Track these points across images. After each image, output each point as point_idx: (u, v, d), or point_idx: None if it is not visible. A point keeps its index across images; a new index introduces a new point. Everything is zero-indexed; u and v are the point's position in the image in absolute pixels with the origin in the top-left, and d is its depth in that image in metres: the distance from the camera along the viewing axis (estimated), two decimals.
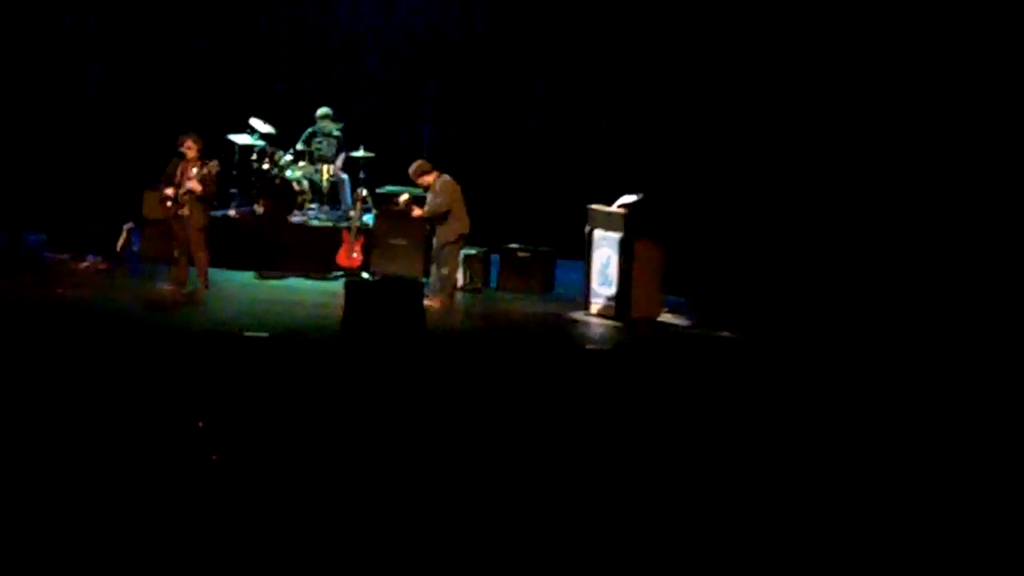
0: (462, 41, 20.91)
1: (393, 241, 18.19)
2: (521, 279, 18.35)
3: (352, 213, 18.46)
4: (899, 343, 15.77)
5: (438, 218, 16.63)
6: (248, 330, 14.94)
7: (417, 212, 16.91)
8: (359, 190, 18.74)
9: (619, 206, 16.88)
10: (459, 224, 16.68)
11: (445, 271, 16.68)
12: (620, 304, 16.68)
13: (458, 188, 16.77)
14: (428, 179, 16.72)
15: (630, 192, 16.96)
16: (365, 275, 17.86)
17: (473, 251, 18.12)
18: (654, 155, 18.87)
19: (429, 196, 16.74)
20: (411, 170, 16.85)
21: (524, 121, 20.61)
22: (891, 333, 16.11)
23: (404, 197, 17.39)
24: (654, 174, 18.25)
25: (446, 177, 16.81)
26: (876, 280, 17.13)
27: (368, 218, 18.55)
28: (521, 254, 18.46)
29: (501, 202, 20.01)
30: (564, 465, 10.48)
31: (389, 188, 18.50)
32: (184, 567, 8.00)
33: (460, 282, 17.89)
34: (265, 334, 14.82)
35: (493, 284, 18.41)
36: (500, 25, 20.80)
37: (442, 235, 16.69)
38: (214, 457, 9.87)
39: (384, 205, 18.35)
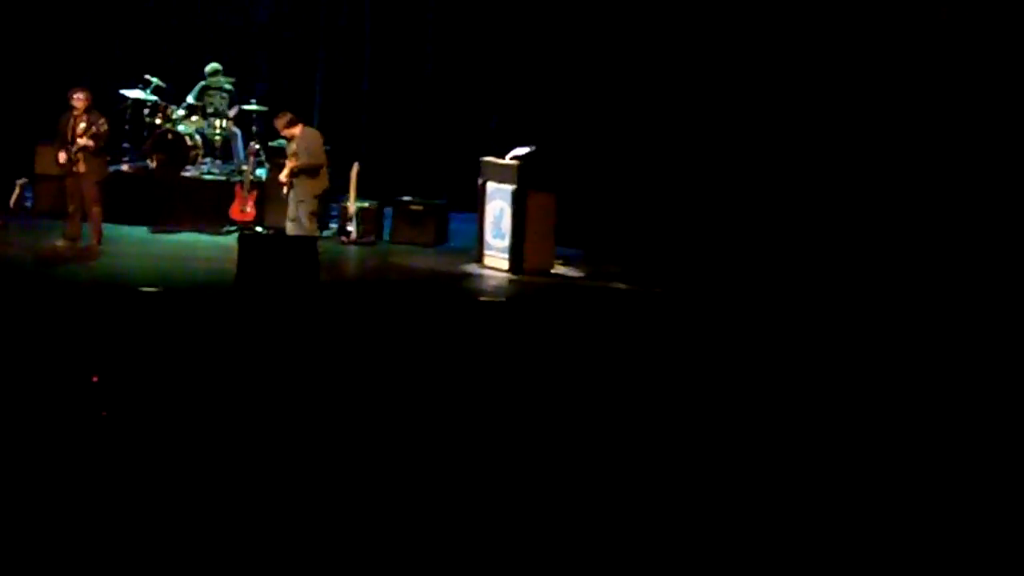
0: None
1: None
2: (414, 231, 18.41)
3: (245, 167, 18.44)
4: (788, 296, 16.03)
5: (307, 171, 16.40)
6: (142, 285, 14.92)
7: (291, 163, 16.61)
8: (251, 144, 18.72)
9: (511, 158, 16.98)
10: (322, 180, 16.58)
11: (309, 225, 16.41)
12: (513, 256, 16.80)
13: (323, 141, 16.69)
14: (294, 130, 16.56)
15: (522, 144, 17.08)
16: (259, 229, 17.86)
17: (366, 203, 18.18)
18: (545, 106, 18.99)
19: (295, 147, 16.53)
20: (277, 121, 16.72)
21: (416, 72, 20.64)
22: (781, 286, 16.38)
23: (285, 174, 17.18)
24: (544, 126, 18.40)
25: (311, 129, 16.74)
26: (765, 232, 17.39)
27: (261, 172, 18.53)
28: (414, 207, 18.51)
29: (394, 154, 20.09)
30: (454, 418, 10.59)
31: (281, 142, 18.52)
32: (76, 523, 8.03)
33: (353, 234, 17.96)
34: (159, 288, 14.81)
35: (386, 236, 18.46)
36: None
37: (303, 191, 16.39)
38: (103, 413, 9.89)
39: (275, 158, 18.33)
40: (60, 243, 16.77)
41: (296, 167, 16.43)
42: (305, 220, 16.31)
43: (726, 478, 9.43)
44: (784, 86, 17.61)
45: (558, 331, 14.18)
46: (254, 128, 19.05)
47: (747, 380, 12.17)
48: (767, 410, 11.22)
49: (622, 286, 16.68)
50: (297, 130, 16.51)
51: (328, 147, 16.93)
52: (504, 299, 15.99)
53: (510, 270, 16.77)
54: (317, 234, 16.47)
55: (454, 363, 12.33)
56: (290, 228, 16.47)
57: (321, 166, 16.40)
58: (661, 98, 18.22)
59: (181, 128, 18.86)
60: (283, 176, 16.61)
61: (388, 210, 18.58)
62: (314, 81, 20.95)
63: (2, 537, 7.68)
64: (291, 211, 16.49)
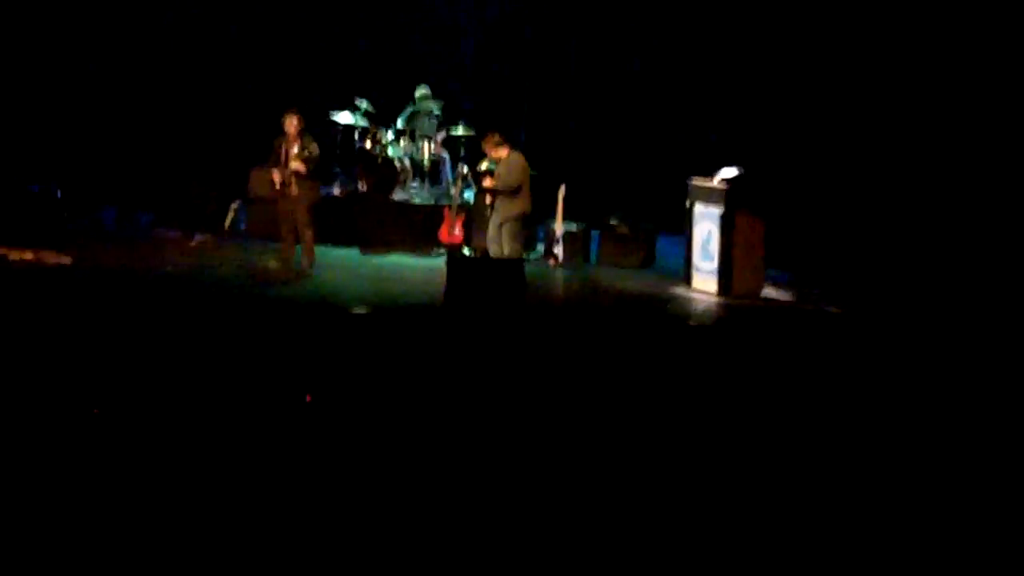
0: (561, 18, 20.95)
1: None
2: (622, 254, 18.38)
3: (453, 190, 18.59)
4: (1005, 324, 15.58)
5: (507, 193, 16.43)
6: (352, 306, 15.09)
7: (488, 182, 16.73)
8: (459, 167, 18.86)
9: (719, 180, 16.83)
10: (524, 203, 16.54)
11: (507, 250, 16.44)
12: (722, 279, 16.65)
13: (527, 167, 16.66)
14: (501, 152, 16.59)
15: (730, 166, 16.93)
16: (466, 251, 17.97)
17: (574, 227, 18.19)
18: (754, 128, 18.82)
19: (500, 170, 16.58)
20: (485, 141, 16.76)
21: (625, 97, 20.62)
22: (997, 313, 15.93)
23: (486, 164, 17.33)
24: (753, 148, 18.22)
25: (518, 153, 16.76)
26: (983, 257, 16.96)
27: (468, 195, 18.66)
28: (622, 229, 18.48)
29: (602, 177, 20.08)
30: (664, 441, 10.50)
31: (489, 165, 18.61)
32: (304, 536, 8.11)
33: (560, 257, 17.98)
34: (368, 309, 14.97)
35: (594, 259, 18.45)
36: (595, 5, 20.85)
37: (504, 211, 16.43)
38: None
39: (481, 183, 18.43)
40: (273, 265, 17.04)
41: (493, 187, 16.50)
42: (506, 242, 16.34)
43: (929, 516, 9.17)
44: (1000, 112, 17.21)
45: (767, 355, 13.97)
46: (462, 151, 19.22)
47: (962, 410, 11.85)
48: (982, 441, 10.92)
49: (833, 309, 16.40)
50: (503, 152, 16.53)
51: (534, 172, 16.91)
52: (712, 323, 15.84)
53: (719, 293, 16.60)
54: (520, 256, 16.49)
55: (662, 387, 12.22)
56: (492, 250, 16.52)
57: (518, 189, 16.37)
58: (873, 122, 17.92)
59: (390, 152, 19.09)
60: (485, 183, 16.73)
61: (595, 233, 18.57)
62: (521, 103, 21.05)
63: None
64: (491, 232, 16.54)
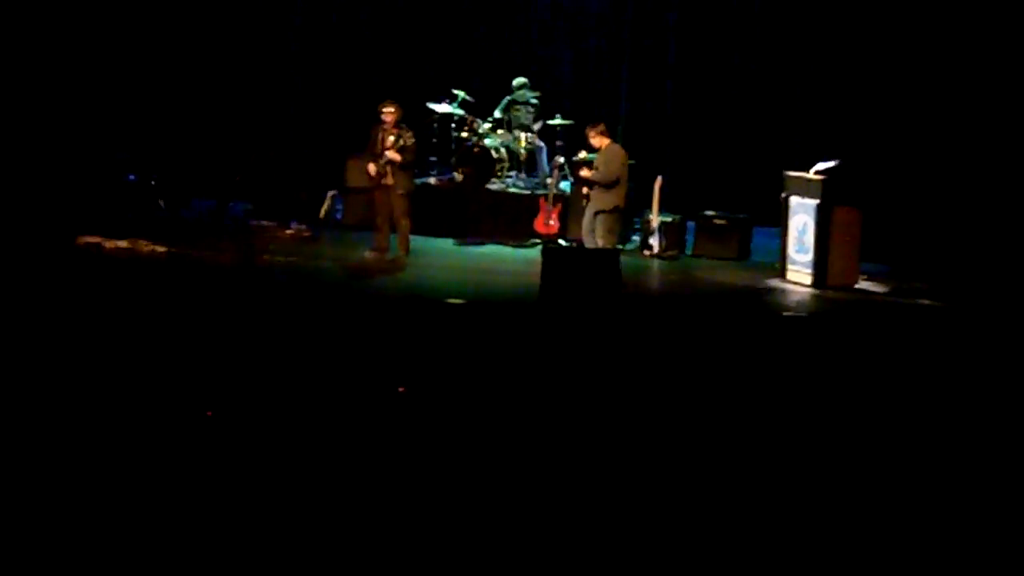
0: (660, 9, 20.92)
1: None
2: (717, 245, 18.36)
3: (549, 180, 18.63)
4: None
5: (604, 185, 16.41)
6: (448, 296, 15.18)
7: (586, 173, 16.72)
8: (556, 158, 18.90)
9: (816, 172, 16.77)
10: (620, 196, 16.50)
11: (602, 242, 16.43)
12: (817, 271, 16.60)
13: (626, 161, 16.62)
14: (603, 141, 16.57)
15: (826, 158, 16.86)
16: (562, 242, 18.02)
17: (669, 217, 18.19)
18: (850, 120, 18.72)
19: (598, 161, 16.56)
20: (590, 128, 16.72)
21: (720, 85, 20.57)
22: None
23: (583, 154, 17.33)
24: (850, 139, 18.12)
25: (618, 146, 16.73)
26: None
27: (565, 185, 18.69)
28: (717, 221, 18.46)
29: (697, 168, 20.06)
30: (759, 432, 10.50)
31: (586, 155, 18.63)
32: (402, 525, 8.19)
33: (656, 248, 17.99)
34: (464, 300, 15.06)
35: (689, 251, 18.44)
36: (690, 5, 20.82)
37: (599, 202, 16.40)
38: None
39: (577, 174, 18.45)
40: (368, 254, 17.17)
41: (590, 178, 16.50)
42: (601, 233, 16.35)
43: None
44: None
45: (861, 348, 13.92)
46: (558, 142, 19.25)
47: None
48: None
49: (928, 303, 16.30)
50: (604, 142, 16.52)
51: (632, 162, 16.89)
52: (807, 314, 15.80)
53: (814, 285, 16.55)
54: (614, 247, 16.48)
55: (757, 378, 12.21)
56: (587, 241, 16.54)
57: (614, 182, 16.34)
58: (971, 114, 17.76)
59: (487, 141, 19.16)
60: (583, 173, 16.72)
61: (691, 224, 18.56)
62: (619, 95, 21.05)
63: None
64: (587, 223, 16.57)
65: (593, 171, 16.46)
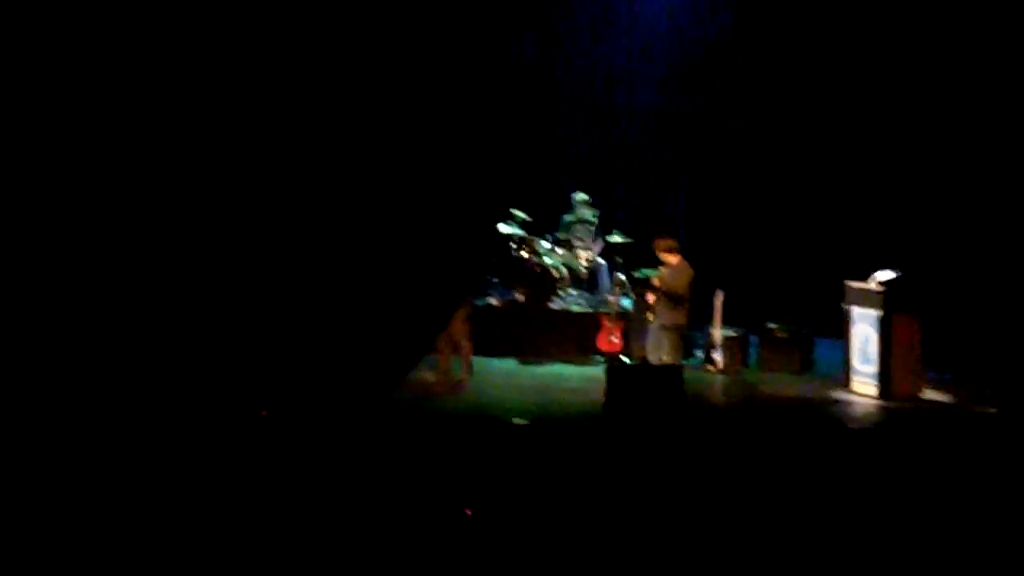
0: (715, 127, 21.07)
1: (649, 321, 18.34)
2: (781, 359, 18.34)
3: (610, 298, 18.69)
4: None
5: (669, 298, 16.41)
6: (511, 415, 15.20)
7: (651, 297, 16.71)
8: (616, 274, 18.98)
9: (876, 282, 16.77)
10: (684, 313, 16.50)
11: (666, 358, 16.39)
12: (882, 382, 16.55)
13: (693, 279, 16.63)
14: (672, 259, 16.62)
15: (885, 268, 16.86)
16: (625, 359, 18.04)
17: (731, 332, 18.19)
18: (908, 229, 18.72)
19: (666, 275, 16.58)
20: (659, 242, 16.75)
21: (778, 200, 20.65)
22: None
23: (645, 272, 17.34)
24: (909, 248, 18.11)
25: (686, 264, 16.77)
26: None
27: (626, 302, 18.75)
28: (779, 334, 18.45)
29: (758, 281, 20.08)
30: (830, 547, 10.43)
31: (646, 272, 18.70)
32: None
33: (719, 363, 17.98)
34: (528, 420, 15.06)
35: (753, 364, 18.42)
36: (750, 109, 20.94)
37: (662, 318, 16.41)
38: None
39: (640, 289, 18.52)
40: (430, 377, 17.21)
41: (658, 291, 16.51)
42: (665, 349, 16.35)
43: None
44: None
45: (928, 460, 13.80)
46: (618, 259, 19.34)
47: None
48: None
49: (995, 411, 16.18)
50: (674, 259, 16.55)
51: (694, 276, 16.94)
52: (873, 426, 15.71)
53: (879, 396, 16.49)
54: (679, 364, 16.47)
55: (825, 492, 12.14)
56: (651, 356, 16.55)
57: (682, 299, 16.37)
58: None
59: (547, 260, 19.26)
60: (650, 298, 16.73)
61: (753, 337, 18.56)
62: (677, 209, 21.15)
63: None
64: (651, 339, 16.59)
65: (660, 283, 16.48)
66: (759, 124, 20.86)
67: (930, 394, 16.84)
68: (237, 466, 11.97)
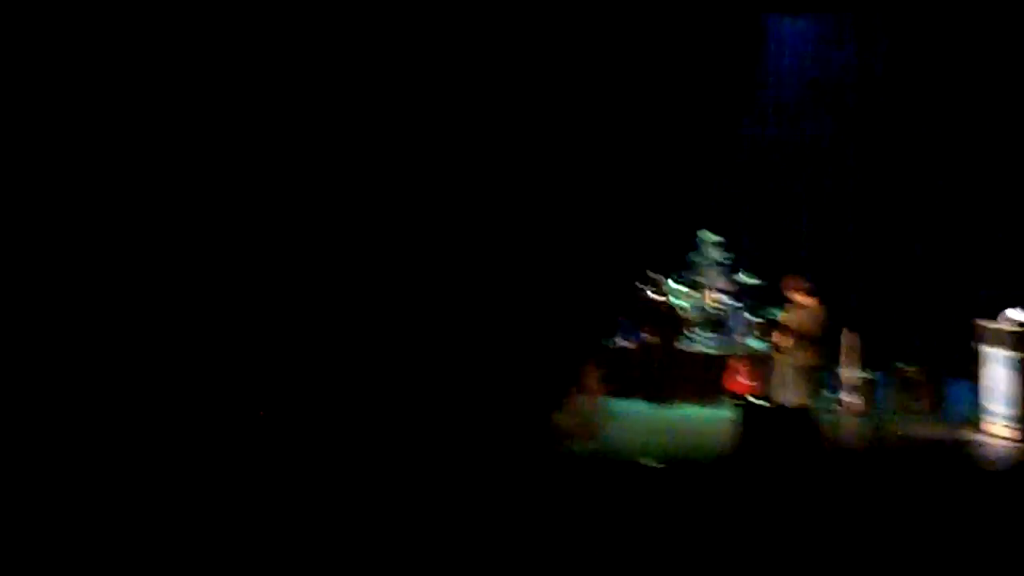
0: (838, 167, 21.05)
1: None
2: (911, 399, 18.24)
3: (740, 339, 18.71)
4: None
5: (799, 339, 16.40)
6: (642, 457, 15.25)
7: (778, 337, 16.70)
8: (745, 315, 18.99)
9: (1010, 322, 16.65)
10: (814, 352, 16.49)
11: (797, 399, 16.39)
12: (1019, 423, 16.40)
13: (825, 320, 16.60)
14: (802, 299, 16.60)
15: (1015, 307, 16.74)
16: (755, 400, 18.03)
17: (865, 373, 18.13)
18: None
19: (797, 315, 16.57)
20: (787, 283, 16.77)
21: (906, 237, 20.57)
22: None
23: (775, 312, 17.36)
24: None
25: (819, 304, 16.75)
26: None
27: (756, 343, 18.75)
28: (909, 374, 18.36)
29: (888, 322, 20.00)
30: None
31: (776, 312, 18.70)
32: None
33: (850, 404, 17.92)
34: (658, 462, 15.11)
35: (883, 405, 18.33)
36: (873, 151, 20.90)
37: (796, 360, 16.43)
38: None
39: (770, 330, 18.52)
40: (561, 418, 17.27)
41: (788, 332, 16.52)
42: (796, 390, 16.35)
43: None
44: None
45: None
46: (747, 299, 19.35)
47: None
48: None
49: None
50: (804, 299, 16.54)
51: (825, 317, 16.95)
52: (1009, 469, 15.58)
53: (1015, 438, 16.35)
54: (811, 405, 16.47)
55: (959, 534, 12.09)
56: (782, 397, 16.55)
57: (813, 339, 16.37)
58: None
59: (676, 301, 19.32)
60: (778, 338, 16.73)
61: (883, 378, 18.48)
62: (800, 249, 21.13)
63: None
64: (782, 380, 16.59)
65: (791, 324, 16.48)
66: (889, 162, 20.80)
67: None
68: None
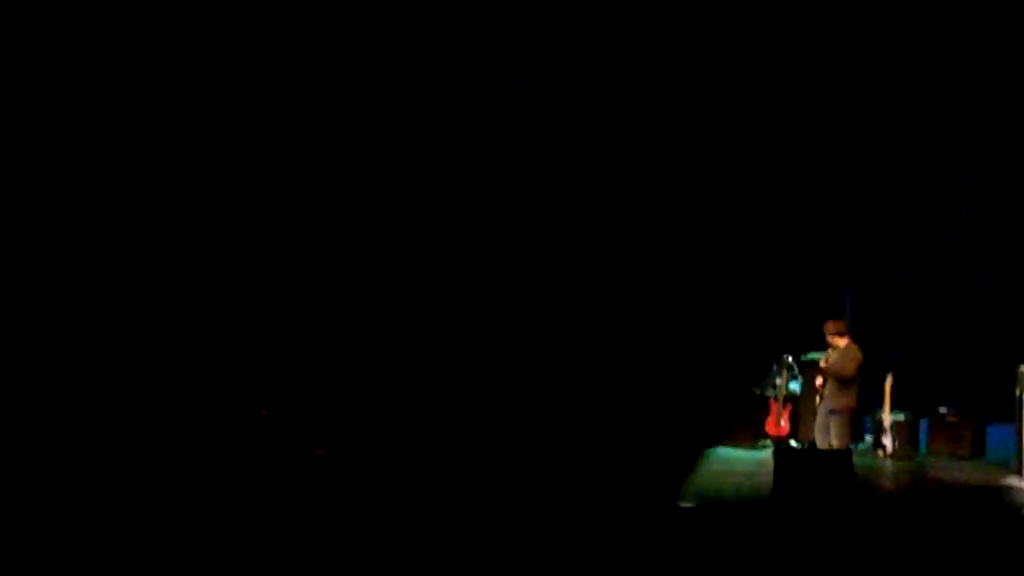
0: (881, 215, 21.03)
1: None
2: (951, 443, 18.14)
3: (778, 381, 18.64)
4: None
5: (836, 381, 16.32)
6: (679, 499, 15.20)
7: (820, 382, 16.66)
8: (784, 357, 18.93)
9: None
10: (852, 395, 16.40)
11: (835, 442, 16.29)
12: None
13: (862, 362, 16.53)
14: (841, 341, 16.56)
15: None
16: (793, 443, 17.97)
17: (901, 416, 18.04)
18: None
19: (834, 357, 16.52)
20: (828, 326, 16.71)
21: (948, 280, 20.50)
22: None
23: (812, 355, 17.33)
24: None
25: (855, 346, 16.69)
26: None
27: (794, 386, 18.68)
28: (950, 418, 18.26)
29: (927, 366, 19.91)
30: None
31: (813, 355, 18.64)
32: None
33: (888, 447, 17.83)
34: (695, 503, 15.06)
35: (923, 449, 18.24)
36: (908, 200, 20.88)
37: (833, 402, 16.35)
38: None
39: (808, 372, 18.47)
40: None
41: (826, 374, 16.43)
42: (834, 434, 16.26)
43: None
44: None
45: None
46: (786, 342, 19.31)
47: None
48: None
49: None
50: (843, 342, 16.49)
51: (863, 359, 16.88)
52: None
53: None
54: (847, 448, 16.37)
55: None
56: (819, 440, 16.46)
57: (851, 382, 16.27)
58: None
59: None
60: (818, 381, 16.65)
61: (923, 422, 18.39)
62: (843, 292, 21.07)
63: None
64: (820, 423, 16.51)
65: (830, 367, 16.41)
66: (928, 206, 20.75)
67: None
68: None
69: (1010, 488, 16.44)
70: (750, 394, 18.98)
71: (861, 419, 18.13)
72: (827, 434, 16.30)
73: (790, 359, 18.82)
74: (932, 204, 20.85)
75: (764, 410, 18.38)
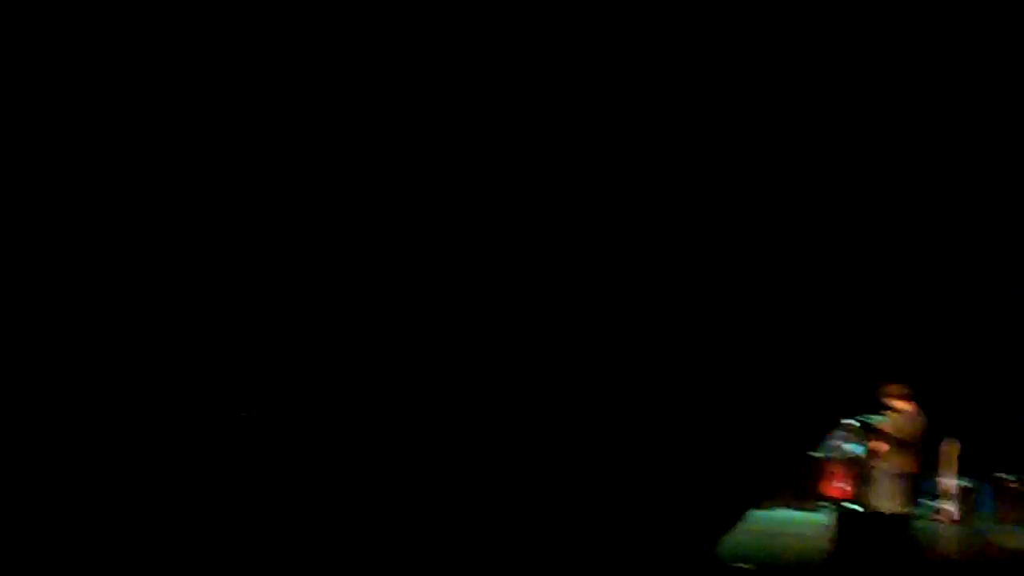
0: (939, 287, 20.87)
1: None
2: (1015, 511, 17.95)
3: (839, 443, 18.47)
4: None
5: (899, 445, 16.12)
6: (735, 561, 15.07)
7: (874, 444, 16.44)
8: (846, 420, 18.76)
9: None
10: (913, 459, 16.18)
11: (895, 507, 16.06)
12: None
13: (925, 426, 16.30)
14: (903, 405, 16.35)
15: None
16: (853, 506, 17.77)
17: (964, 482, 17.85)
18: None
19: (896, 420, 16.31)
20: (890, 387, 16.52)
21: (1010, 349, 20.31)
22: None
23: (875, 418, 17.13)
24: None
25: (918, 411, 16.47)
26: None
27: (855, 448, 18.49)
28: (1013, 484, 18.06)
29: (990, 431, 19.70)
30: None
31: (875, 418, 18.44)
32: None
33: (951, 513, 17.63)
34: (752, 566, 14.93)
35: (985, 516, 18.05)
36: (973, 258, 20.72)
37: (892, 466, 16.14)
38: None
39: (869, 435, 18.26)
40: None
41: (888, 438, 16.26)
42: (894, 497, 16.06)
43: None
44: None
45: None
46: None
47: None
48: None
49: None
50: (905, 406, 16.30)
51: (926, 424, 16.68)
52: None
53: None
54: (909, 513, 16.14)
55: None
56: (881, 504, 16.25)
57: (912, 446, 16.07)
58: None
59: None
60: (881, 446, 16.46)
61: (986, 488, 18.19)
62: (902, 354, 20.91)
63: None
64: (880, 486, 16.30)
65: (889, 429, 16.23)
66: (993, 270, 20.57)
67: None
68: None
69: None
70: (808, 456, 18.81)
71: (924, 484, 17.91)
72: (888, 498, 16.09)
73: (850, 420, 18.63)
74: (992, 267, 20.67)
75: (821, 472, 18.19)
